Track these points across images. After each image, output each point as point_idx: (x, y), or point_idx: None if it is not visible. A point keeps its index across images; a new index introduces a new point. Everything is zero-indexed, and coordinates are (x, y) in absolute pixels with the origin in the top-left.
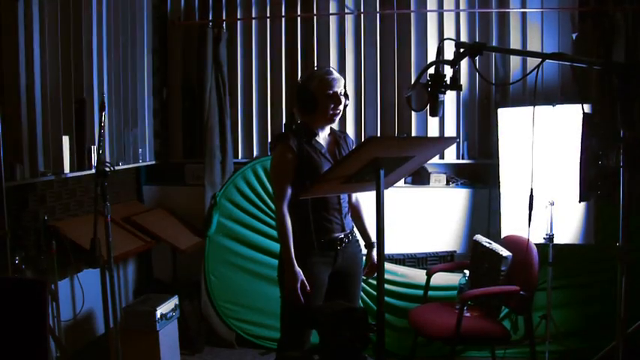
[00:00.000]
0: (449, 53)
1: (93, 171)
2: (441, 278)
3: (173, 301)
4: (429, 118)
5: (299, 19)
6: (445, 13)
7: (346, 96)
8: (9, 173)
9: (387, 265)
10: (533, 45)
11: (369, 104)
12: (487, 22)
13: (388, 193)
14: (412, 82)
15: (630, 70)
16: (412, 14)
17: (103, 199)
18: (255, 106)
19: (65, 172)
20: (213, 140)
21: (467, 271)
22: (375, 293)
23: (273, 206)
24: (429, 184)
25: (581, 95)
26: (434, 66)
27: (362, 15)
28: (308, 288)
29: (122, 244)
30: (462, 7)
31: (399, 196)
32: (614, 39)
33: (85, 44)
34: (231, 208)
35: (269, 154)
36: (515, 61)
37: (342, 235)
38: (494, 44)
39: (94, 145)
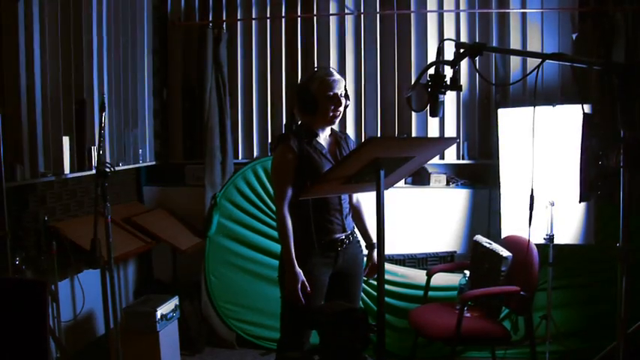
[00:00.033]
0: (449, 54)
1: (93, 172)
2: (441, 279)
3: (173, 302)
4: (429, 118)
5: (299, 19)
6: (445, 14)
7: (347, 97)
8: (9, 174)
9: (388, 266)
10: (533, 45)
11: (369, 104)
12: (487, 22)
13: (388, 194)
14: (412, 82)
15: (630, 71)
16: (412, 14)
17: (104, 200)
18: (256, 106)
19: (65, 172)
20: (213, 141)
21: (467, 272)
22: (375, 294)
23: (273, 207)
24: (429, 184)
25: (582, 95)
26: (434, 66)
27: (362, 15)
28: (308, 289)
29: (122, 245)
30: (462, 8)
31: (400, 196)
32: (614, 39)
33: (86, 45)
34: (231, 208)
35: (269, 154)
36: (515, 61)
37: (343, 236)
38: (494, 45)
39: (95, 145)
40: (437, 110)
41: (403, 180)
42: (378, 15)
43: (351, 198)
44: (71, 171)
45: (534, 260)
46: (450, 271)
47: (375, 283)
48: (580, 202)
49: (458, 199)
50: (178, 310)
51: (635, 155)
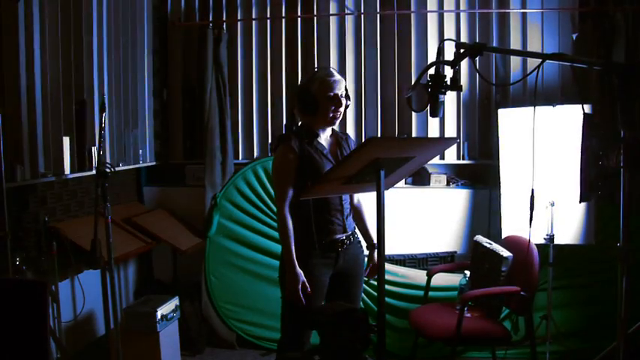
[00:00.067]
0: (449, 54)
1: (93, 172)
2: (441, 279)
3: (174, 302)
4: (430, 118)
5: (299, 19)
6: (445, 14)
7: (347, 97)
8: (9, 174)
9: (388, 266)
10: (534, 45)
11: (370, 105)
12: (487, 22)
13: (389, 194)
14: (412, 82)
15: (630, 71)
16: (412, 15)
17: (104, 200)
18: (256, 106)
19: (66, 173)
20: (213, 141)
21: (467, 272)
22: (375, 294)
23: (273, 207)
24: (429, 184)
25: (582, 96)
26: (434, 66)
27: (362, 16)
28: (309, 289)
29: (122, 245)
30: (462, 8)
31: (400, 196)
32: (614, 39)
33: (86, 45)
34: (231, 209)
35: (269, 154)
36: (515, 61)
37: (344, 237)
38: (494, 45)
39: (95, 146)
40: (437, 110)
41: (403, 180)
42: (378, 15)
43: (352, 198)
44: (71, 171)
45: (534, 260)
46: (450, 271)
47: (376, 283)
48: (580, 202)
49: (458, 199)
50: (179, 310)
51: (635, 155)
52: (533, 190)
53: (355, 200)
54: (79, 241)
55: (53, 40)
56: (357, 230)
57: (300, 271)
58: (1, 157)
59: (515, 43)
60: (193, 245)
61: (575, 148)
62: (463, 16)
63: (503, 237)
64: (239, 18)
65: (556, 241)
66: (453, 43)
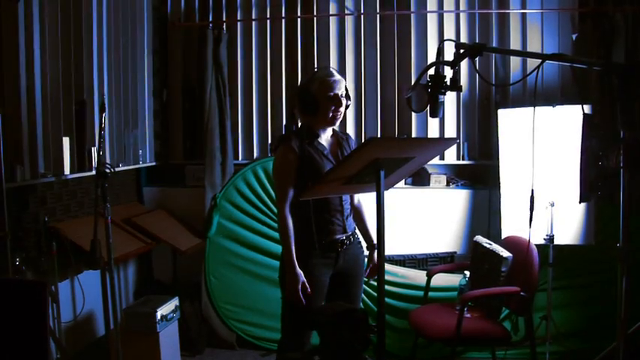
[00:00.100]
0: (449, 54)
1: (93, 172)
2: (441, 279)
3: (173, 303)
4: (429, 119)
5: (299, 20)
6: (445, 14)
7: (347, 97)
8: (9, 174)
9: (388, 266)
10: (533, 46)
11: (369, 105)
12: (487, 23)
13: (388, 194)
14: (412, 83)
15: (630, 71)
16: (412, 15)
17: (104, 201)
18: (256, 107)
19: (65, 173)
20: (213, 141)
21: (467, 272)
22: (375, 294)
23: (273, 208)
24: (429, 185)
25: (582, 96)
26: (434, 67)
27: (362, 16)
28: (309, 289)
29: (122, 246)
30: (461, 8)
31: (400, 197)
32: (614, 40)
33: (86, 45)
34: (231, 209)
35: (269, 155)
36: (515, 61)
37: (344, 237)
38: (494, 45)
39: (95, 146)
40: (437, 111)
41: (403, 180)
42: (378, 15)
43: (352, 199)
44: (71, 172)
45: (534, 261)
46: (450, 271)
47: (376, 283)
48: (580, 202)
49: (458, 199)
50: (178, 310)
51: (635, 156)
52: (533, 191)
53: (355, 200)
54: (78, 242)
55: (53, 40)
56: (357, 231)
57: (300, 271)
58: (1, 158)
59: (515, 44)
60: (193, 246)
61: (575, 148)
62: (463, 17)
63: (503, 237)
64: (239, 18)
65: (556, 242)
66: (453, 44)
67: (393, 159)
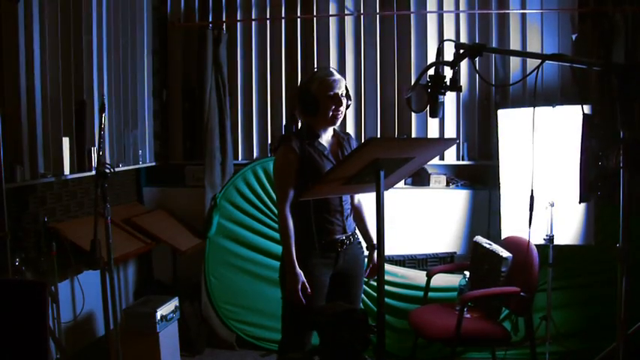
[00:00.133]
0: (449, 54)
1: (93, 172)
2: (441, 279)
3: (173, 303)
4: (429, 119)
5: (299, 20)
6: (445, 15)
7: (348, 97)
8: (9, 175)
9: (387, 267)
10: (533, 46)
11: (369, 105)
12: (487, 23)
13: (388, 195)
14: (412, 83)
15: (630, 71)
16: (412, 15)
17: (103, 201)
18: (255, 107)
19: (65, 173)
20: (213, 142)
21: (467, 273)
22: (375, 294)
23: (273, 208)
24: (429, 185)
25: (581, 96)
26: (434, 67)
27: (362, 16)
28: (309, 289)
29: (122, 246)
30: (461, 9)
31: (399, 197)
32: (614, 40)
33: (85, 45)
34: (231, 209)
35: (269, 155)
36: (515, 62)
37: (344, 237)
38: (494, 45)
39: (94, 146)
40: (437, 111)
41: (403, 181)
42: (377, 16)
43: (352, 199)
44: (71, 172)
45: (534, 261)
46: (449, 271)
47: (375, 284)
48: (580, 202)
49: (458, 199)
50: (178, 311)
51: (634, 156)
52: (532, 191)
53: (356, 201)
54: (78, 242)
55: (53, 40)
56: (357, 231)
57: (300, 271)
58: (1, 158)
59: (514, 44)
60: (193, 246)
61: (575, 148)
62: (463, 17)
63: (502, 237)
64: (239, 19)
65: (556, 242)
66: (453, 44)
67: (393, 159)
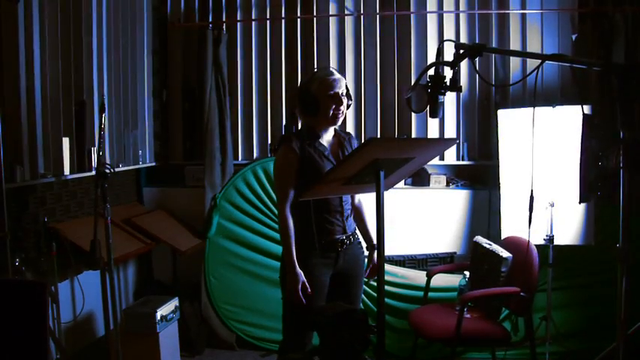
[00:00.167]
0: (449, 54)
1: (93, 173)
2: (441, 279)
3: (173, 303)
4: (429, 119)
5: (299, 20)
6: (445, 15)
7: (348, 96)
8: (9, 175)
9: (387, 267)
10: (533, 46)
11: (369, 105)
12: (487, 23)
13: (388, 195)
14: (412, 83)
15: (630, 71)
16: (412, 16)
17: (103, 201)
18: (255, 107)
19: (65, 173)
20: (213, 142)
21: (467, 273)
22: (375, 295)
23: (273, 208)
24: (429, 185)
25: (581, 96)
26: (434, 67)
27: (362, 16)
28: (309, 289)
29: (122, 246)
30: (461, 9)
31: (399, 197)
32: (614, 40)
33: (85, 46)
34: (231, 209)
35: (269, 155)
36: (515, 62)
37: (344, 237)
38: (494, 45)
39: (94, 146)
40: (437, 111)
41: (403, 181)
42: (377, 16)
43: (352, 199)
44: (71, 172)
45: (534, 261)
46: (449, 272)
47: (376, 284)
48: (580, 202)
49: (458, 200)
50: (178, 311)
51: (634, 156)
52: (532, 191)
53: (356, 201)
54: (78, 242)
55: (53, 40)
56: (357, 231)
57: (300, 271)
58: (1, 158)
59: (514, 44)
60: (193, 246)
61: (575, 148)
62: (462, 17)
63: (502, 238)
64: (238, 19)
65: (556, 242)
66: (453, 44)
67: (393, 159)
